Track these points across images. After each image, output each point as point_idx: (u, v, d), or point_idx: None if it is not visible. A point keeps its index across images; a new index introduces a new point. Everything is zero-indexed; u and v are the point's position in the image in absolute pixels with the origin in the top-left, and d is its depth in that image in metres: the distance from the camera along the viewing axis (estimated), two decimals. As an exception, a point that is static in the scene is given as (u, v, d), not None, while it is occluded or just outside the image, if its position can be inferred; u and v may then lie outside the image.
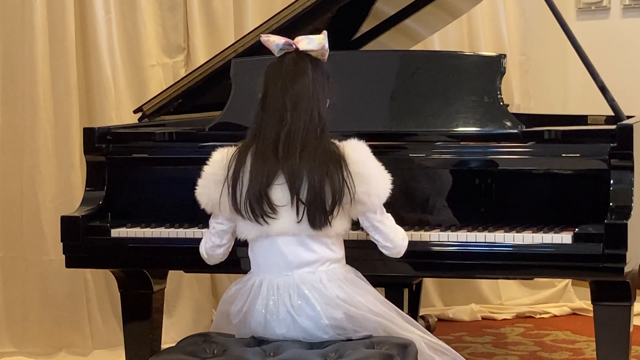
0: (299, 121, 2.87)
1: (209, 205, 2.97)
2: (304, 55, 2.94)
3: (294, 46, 2.95)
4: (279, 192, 2.88)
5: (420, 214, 3.26)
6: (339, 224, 2.91)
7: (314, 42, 2.95)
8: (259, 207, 2.87)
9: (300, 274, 2.90)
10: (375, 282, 3.06)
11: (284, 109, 2.88)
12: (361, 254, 3.08)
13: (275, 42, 2.96)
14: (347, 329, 2.90)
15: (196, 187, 2.99)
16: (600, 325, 3.18)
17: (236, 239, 3.02)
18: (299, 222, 2.87)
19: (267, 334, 2.93)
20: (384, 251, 3.00)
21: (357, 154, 2.90)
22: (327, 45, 2.96)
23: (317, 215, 2.85)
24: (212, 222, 3.03)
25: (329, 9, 3.76)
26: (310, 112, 2.89)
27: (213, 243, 3.04)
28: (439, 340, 3.05)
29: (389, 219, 2.98)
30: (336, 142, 2.92)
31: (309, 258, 2.91)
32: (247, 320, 2.94)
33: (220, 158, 2.96)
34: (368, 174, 2.89)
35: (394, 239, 2.97)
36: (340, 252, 2.97)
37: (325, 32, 2.97)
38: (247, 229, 2.93)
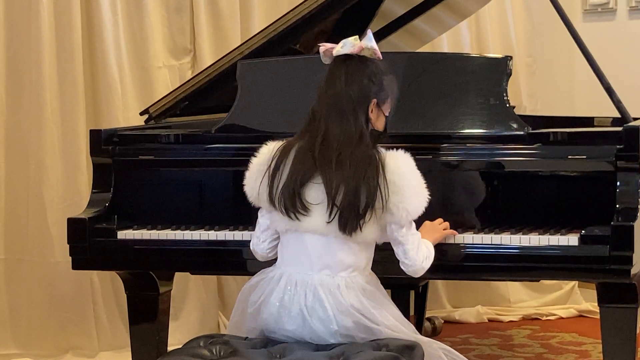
0: (333, 127, 2.89)
1: (252, 196, 3.01)
2: (339, 60, 2.96)
3: (333, 53, 2.97)
4: (314, 191, 2.90)
5: (425, 215, 3.25)
6: (369, 231, 2.91)
7: (347, 44, 2.96)
8: (291, 203, 2.90)
9: (320, 276, 2.92)
10: (381, 283, 3.06)
11: (320, 115, 2.92)
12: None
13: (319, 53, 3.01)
14: (355, 337, 2.91)
15: (244, 180, 3.03)
16: (606, 327, 3.17)
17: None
18: (329, 222, 2.88)
19: (277, 328, 2.95)
20: (402, 267, 2.99)
21: (397, 164, 2.90)
22: (369, 43, 2.95)
23: (350, 220, 2.86)
24: (258, 217, 3.06)
25: (335, 10, 3.77)
26: (346, 117, 2.90)
27: (257, 239, 3.08)
28: (446, 346, 3.05)
29: (414, 236, 2.97)
30: (382, 150, 2.92)
31: (331, 261, 2.92)
32: (261, 311, 2.97)
33: (267, 151, 3.00)
34: (402, 186, 2.88)
35: (413, 257, 2.96)
36: (364, 260, 2.97)
37: (369, 31, 2.97)
38: (278, 220, 2.96)
